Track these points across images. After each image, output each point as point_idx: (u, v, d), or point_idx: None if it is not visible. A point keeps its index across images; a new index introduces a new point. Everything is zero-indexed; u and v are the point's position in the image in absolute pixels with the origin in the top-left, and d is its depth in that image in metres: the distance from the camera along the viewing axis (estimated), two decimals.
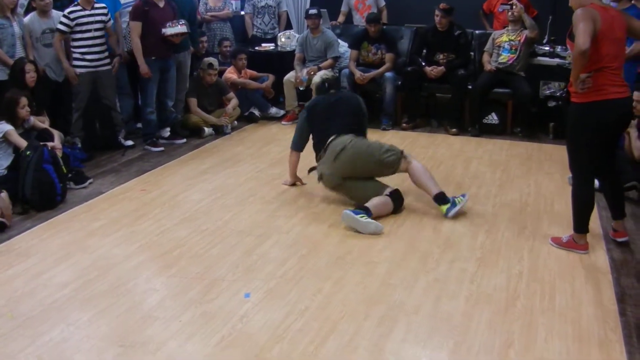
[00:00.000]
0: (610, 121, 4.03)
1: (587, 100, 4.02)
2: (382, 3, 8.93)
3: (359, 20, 8.91)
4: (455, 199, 4.93)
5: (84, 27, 6.45)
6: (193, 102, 7.55)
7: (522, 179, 5.87)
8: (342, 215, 4.72)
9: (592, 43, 3.82)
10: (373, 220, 4.67)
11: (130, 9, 6.88)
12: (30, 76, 5.91)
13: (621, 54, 4.06)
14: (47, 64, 6.56)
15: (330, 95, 5.44)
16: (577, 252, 4.25)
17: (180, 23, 6.81)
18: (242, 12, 9.49)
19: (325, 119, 5.27)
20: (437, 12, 7.58)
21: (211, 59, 7.68)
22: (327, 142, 5.12)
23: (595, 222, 4.67)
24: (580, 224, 4.26)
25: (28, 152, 5.26)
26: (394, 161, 5.00)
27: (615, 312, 3.55)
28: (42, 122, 5.91)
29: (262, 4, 9.08)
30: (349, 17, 9.19)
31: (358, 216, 4.66)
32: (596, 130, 4.05)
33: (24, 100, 5.56)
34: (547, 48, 7.67)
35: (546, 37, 7.85)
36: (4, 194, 4.90)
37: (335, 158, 5.00)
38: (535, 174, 6.01)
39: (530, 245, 4.42)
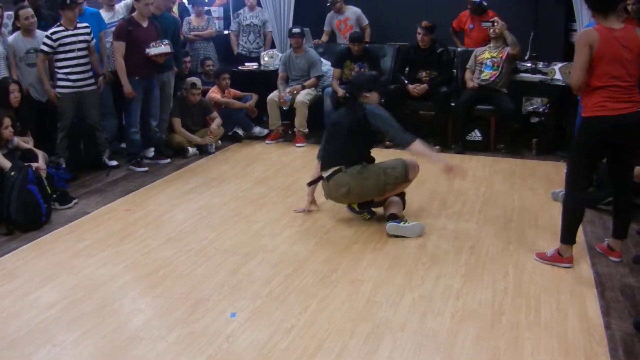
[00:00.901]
0: (609, 136, 4.05)
1: (587, 115, 4.10)
2: (365, 22, 8.93)
3: (342, 41, 8.92)
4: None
5: (67, 47, 6.46)
6: (177, 122, 7.55)
7: (506, 195, 5.90)
8: (387, 228, 4.90)
9: (590, 64, 3.98)
10: (413, 222, 4.95)
11: (114, 28, 6.90)
12: (14, 96, 5.89)
13: (627, 72, 3.99)
14: (31, 84, 6.53)
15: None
16: (562, 266, 4.29)
17: (164, 43, 6.81)
18: (226, 32, 9.53)
19: None
20: (419, 29, 7.62)
21: (194, 79, 7.69)
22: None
23: (579, 236, 4.68)
24: (568, 234, 4.29)
25: (12, 173, 5.23)
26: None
27: (600, 326, 3.58)
28: (26, 142, 5.88)
29: (247, 22, 9.14)
30: (332, 36, 9.22)
31: (401, 224, 4.91)
32: (593, 144, 4.10)
33: (7, 121, 5.53)
34: (529, 64, 7.72)
35: (528, 53, 7.92)
36: None
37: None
38: (519, 190, 6.05)
39: (515, 261, 4.45)
